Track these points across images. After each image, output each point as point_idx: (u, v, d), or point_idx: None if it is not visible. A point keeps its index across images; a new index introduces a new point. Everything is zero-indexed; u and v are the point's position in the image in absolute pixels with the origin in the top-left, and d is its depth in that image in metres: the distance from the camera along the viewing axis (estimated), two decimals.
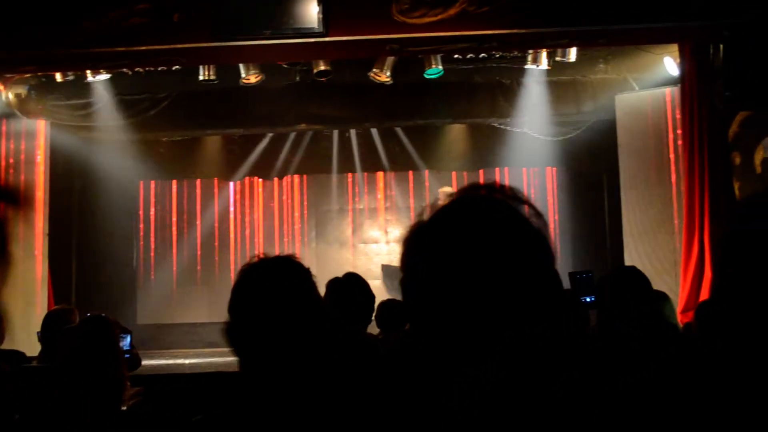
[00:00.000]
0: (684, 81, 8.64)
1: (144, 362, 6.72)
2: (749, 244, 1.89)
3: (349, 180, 12.06)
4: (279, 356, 2.10)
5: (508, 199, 1.26)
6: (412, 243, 1.24)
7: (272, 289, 2.12)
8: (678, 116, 9.09)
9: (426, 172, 11.99)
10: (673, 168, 9.50)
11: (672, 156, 9.49)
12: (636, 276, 3.45)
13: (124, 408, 4.42)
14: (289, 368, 2.09)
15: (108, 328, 4.13)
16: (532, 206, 1.26)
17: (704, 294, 8.05)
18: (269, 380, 2.09)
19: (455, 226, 1.20)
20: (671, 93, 9.42)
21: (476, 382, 1.17)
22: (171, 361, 9.02)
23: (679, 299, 8.15)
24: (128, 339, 5.51)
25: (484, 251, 1.16)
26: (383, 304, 5.18)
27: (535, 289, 1.17)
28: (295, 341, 2.10)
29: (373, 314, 4.46)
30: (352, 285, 4.12)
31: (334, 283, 4.02)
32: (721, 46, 7.25)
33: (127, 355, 5.22)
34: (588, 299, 3.26)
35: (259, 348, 2.12)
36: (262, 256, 2.21)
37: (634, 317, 3.21)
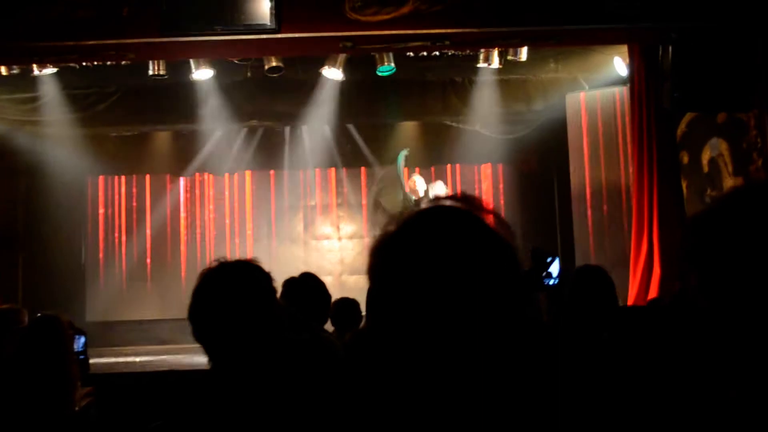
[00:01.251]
0: (633, 81, 8.78)
1: (94, 360, 6.64)
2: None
3: (301, 176, 12.02)
4: (240, 361, 2.10)
5: (474, 210, 1.26)
6: (380, 253, 1.24)
7: (231, 295, 2.11)
8: (627, 116, 9.23)
9: (374, 169, 11.98)
10: (622, 166, 9.65)
11: (621, 155, 9.64)
12: (601, 277, 3.49)
13: (76, 409, 4.36)
14: (250, 372, 2.09)
15: (61, 330, 4.06)
16: (498, 216, 1.28)
17: (653, 290, 8.19)
18: (233, 382, 2.09)
19: (423, 236, 1.20)
20: (621, 93, 9.56)
21: (435, 385, 1.18)
22: (121, 359, 8.91)
23: (628, 296, 8.27)
24: (82, 340, 5.41)
25: (452, 262, 1.17)
26: (337, 302, 5.18)
27: (502, 301, 1.18)
28: (255, 347, 2.09)
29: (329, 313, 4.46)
30: (308, 285, 4.11)
31: (290, 283, 4.01)
32: (670, 48, 7.35)
33: (81, 356, 5.14)
34: (550, 282, 3.28)
35: (222, 351, 2.12)
36: (221, 260, 2.19)
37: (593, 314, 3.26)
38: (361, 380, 1.47)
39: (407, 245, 1.20)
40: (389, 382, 1.22)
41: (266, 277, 2.21)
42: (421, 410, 1.18)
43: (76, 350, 4.87)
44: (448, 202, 1.29)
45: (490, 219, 1.26)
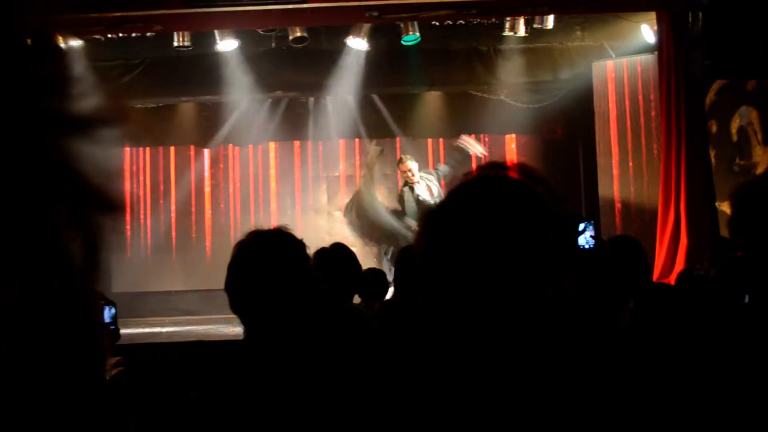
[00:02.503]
0: (661, 49, 8.67)
1: (120, 330, 6.69)
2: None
3: (325, 147, 11.98)
4: (277, 331, 2.10)
5: (524, 179, 1.25)
6: (431, 221, 1.23)
7: (267, 265, 2.11)
8: (655, 84, 9.12)
9: (398, 140, 11.92)
10: (645, 135, 9.56)
11: (648, 123, 9.54)
12: (634, 248, 3.46)
13: (106, 378, 4.40)
14: (287, 341, 2.09)
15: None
16: (547, 186, 1.26)
17: (680, 260, 8.13)
18: (270, 351, 2.10)
19: (474, 206, 1.19)
20: (648, 61, 9.45)
21: (485, 359, 1.17)
22: (147, 330, 8.99)
23: (655, 266, 8.22)
24: (112, 311, 5.43)
25: (503, 231, 1.15)
26: (365, 273, 5.18)
27: (554, 270, 1.16)
28: (292, 317, 2.09)
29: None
30: (340, 255, 4.11)
31: (322, 254, 4.00)
32: (700, 14, 7.25)
33: (111, 327, 5.16)
34: (586, 246, 3.26)
35: (259, 321, 2.12)
36: (256, 230, 2.19)
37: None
38: (400, 350, 1.46)
39: (457, 215, 1.19)
40: (436, 352, 1.21)
41: (300, 246, 2.20)
42: (466, 377, 1.17)
43: (106, 321, 4.90)
44: (494, 171, 1.27)
45: (540, 188, 1.24)
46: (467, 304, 1.15)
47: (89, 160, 0.70)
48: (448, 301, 1.17)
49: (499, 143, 11.76)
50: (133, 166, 11.86)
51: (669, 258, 8.37)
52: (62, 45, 0.77)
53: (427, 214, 1.24)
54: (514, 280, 1.14)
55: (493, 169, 1.26)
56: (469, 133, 11.72)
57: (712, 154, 8.58)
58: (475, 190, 1.22)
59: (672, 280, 7.37)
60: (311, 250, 2.30)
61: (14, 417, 0.67)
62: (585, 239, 3.20)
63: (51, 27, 0.72)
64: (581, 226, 3.19)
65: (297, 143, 12.03)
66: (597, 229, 9.32)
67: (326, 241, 4.54)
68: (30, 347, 0.66)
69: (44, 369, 0.69)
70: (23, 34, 0.69)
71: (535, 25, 9.50)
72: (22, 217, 0.64)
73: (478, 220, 1.17)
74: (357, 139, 12.01)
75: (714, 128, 8.70)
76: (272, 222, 11.53)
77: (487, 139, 11.77)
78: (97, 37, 9.22)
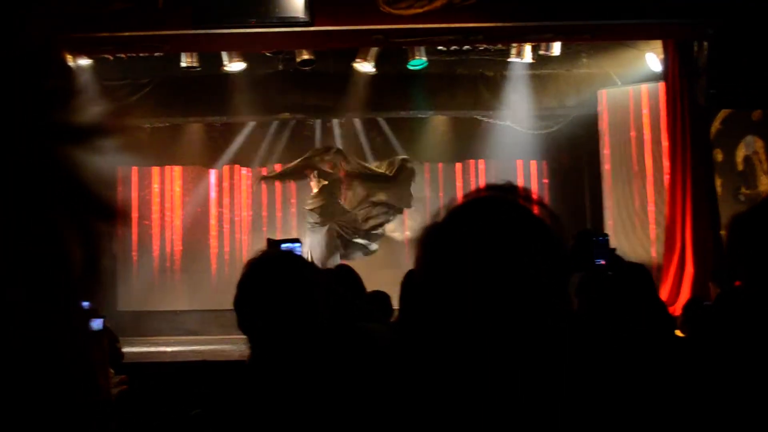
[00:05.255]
0: (667, 77, 8.71)
1: (125, 349, 6.70)
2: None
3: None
4: (283, 351, 2.12)
5: (521, 200, 1.27)
6: (428, 243, 1.25)
7: (276, 285, 2.13)
8: (660, 112, 9.16)
9: None
10: (651, 163, 9.57)
11: (654, 151, 9.56)
12: (643, 276, 3.45)
13: (111, 395, 4.41)
14: (293, 362, 2.10)
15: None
16: (545, 207, 1.28)
17: (686, 289, 8.13)
18: (275, 372, 2.11)
19: (471, 227, 1.21)
20: (654, 89, 9.49)
21: (480, 376, 1.19)
22: (153, 349, 8.99)
23: (661, 294, 8.21)
24: (98, 322, 5.24)
25: (500, 253, 1.17)
26: (369, 295, 5.18)
27: (547, 292, 1.18)
28: (298, 338, 2.11)
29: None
30: (343, 277, 4.11)
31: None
32: (705, 43, 7.29)
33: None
34: (601, 262, 3.26)
35: (266, 341, 2.14)
36: (267, 250, 2.21)
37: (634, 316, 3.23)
38: (404, 371, 1.47)
39: (455, 237, 1.21)
40: (434, 373, 1.23)
41: (310, 268, 2.22)
42: (465, 396, 1.19)
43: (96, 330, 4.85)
44: (493, 192, 1.29)
45: (535, 209, 1.26)
46: (465, 323, 1.17)
47: (88, 168, 0.72)
48: (446, 321, 1.19)
49: (504, 169, 11.78)
50: (140, 184, 11.91)
51: (674, 286, 8.37)
52: (67, 59, 0.80)
53: (426, 233, 1.25)
54: (513, 299, 1.15)
55: (491, 191, 1.28)
56: (474, 158, 11.80)
57: (718, 182, 8.60)
58: (473, 211, 1.24)
59: (678, 308, 7.36)
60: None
61: (12, 422, 0.68)
62: (602, 253, 3.21)
63: (56, 41, 0.75)
64: (597, 239, 3.20)
65: None
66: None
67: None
68: (30, 349, 0.68)
69: (43, 373, 0.70)
70: (29, 47, 0.72)
71: (541, 52, 9.55)
72: (23, 221, 0.66)
73: (476, 241, 1.19)
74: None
75: (720, 157, 8.73)
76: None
77: (490, 164, 11.82)
78: (106, 56, 9.29)
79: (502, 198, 1.26)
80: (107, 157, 0.79)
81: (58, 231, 0.67)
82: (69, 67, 0.81)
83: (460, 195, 1.34)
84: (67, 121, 0.72)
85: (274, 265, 2.21)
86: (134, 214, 11.87)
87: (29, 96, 0.68)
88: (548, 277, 1.18)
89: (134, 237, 11.79)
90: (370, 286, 6.29)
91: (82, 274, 0.69)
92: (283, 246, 2.79)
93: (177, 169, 11.98)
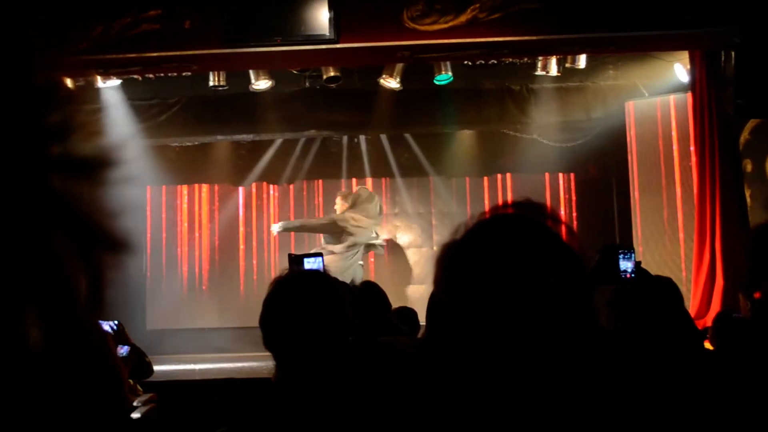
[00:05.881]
0: (694, 88, 8.65)
1: (154, 367, 6.74)
2: None
3: (358, 186, 12.05)
4: (308, 370, 2.12)
5: (540, 217, 1.27)
6: (449, 261, 1.25)
7: (302, 304, 2.14)
8: (688, 123, 9.09)
9: (431, 179, 11.99)
10: (679, 174, 9.51)
11: (683, 162, 9.50)
12: (670, 289, 3.43)
13: (138, 415, 4.44)
14: (318, 380, 2.11)
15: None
16: (564, 224, 1.27)
17: (716, 301, 8.04)
18: (300, 390, 2.12)
19: (491, 245, 1.21)
20: (681, 100, 9.43)
21: (506, 395, 1.18)
22: (181, 367, 9.03)
23: (690, 306, 8.13)
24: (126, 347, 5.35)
25: (520, 270, 1.17)
26: (396, 311, 5.18)
27: (570, 310, 1.18)
28: (323, 357, 2.12)
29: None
30: (369, 293, 4.11)
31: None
32: (732, 53, 7.24)
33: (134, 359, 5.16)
34: (626, 276, 3.23)
35: (291, 359, 2.15)
36: (290, 268, 2.23)
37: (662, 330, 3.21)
38: (428, 389, 1.47)
39: (474, 255, 1.21)
40: (459, 390, 1.23)
41: (335, 286, 2.24)
42: (489, 416, 1.18)
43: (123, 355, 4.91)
44: (513, 210, 1.29)
45: (555, 226, 1.26)
46: (489, 343, 1.17)
47: (91, 200, 0.74)
48: (468, 340, 1.19)
49: (531, 182, 11.75)
50: (169, 203, 12.01)
51: (705, 299, 8.28)
52: (69, 86, 0.82)
53: (445, 251, 1.26)
54: (533, 316, 1.15)
55: (508, 208, 1.28)
56: (502, 172, 11.79)
57: (747, 193, 8.52)
58: (493, 229, 1.24)
59: (708, 321, 7.29)
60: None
61: None
62: (628, 267, 3.18)
63: (57, 70, 0.76)
64: (622, 253, 3.17)
65: (330, 182, 12.11)
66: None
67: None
68: (45, 379, 0.69)
69: (62, 401, 0.71)
70: (29, 79, 0.74)
71: (567, 65, 9.53)
72: (27, 254, 0.67)
73: (496, 259, 1.19)
74: (388, 178, 12.07)
75: (749, 167, 8.65)
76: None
77: (517, 178, 11.80)
78: (135, 76, 9.41)
79: (520, 215, 1.27)
80: (111, 188, 0.81)
81: (62, 263, 0.68)
82: (68, 96, 0.82)
83: (487, 210, 1.34)
84: (69, 154, 0.73)
85: (299, 283, 2.23)
86: (162, 233, 11.96)
87: (31, 130, 0.69)
88: (572, 297, 1.18)
89: (163, 255, 11.88)
90: (398, 301, 6.30)
91: (87, 305, 0.70)
92: (306, 260, 2.80)
93: (205, 187, 12.07)
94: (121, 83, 9.76)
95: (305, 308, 2.14)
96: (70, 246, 0.71)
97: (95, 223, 0.74)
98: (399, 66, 9.79)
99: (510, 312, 1.15)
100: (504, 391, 1.18)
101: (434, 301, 3.92)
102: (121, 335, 5.11)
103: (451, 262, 1.24)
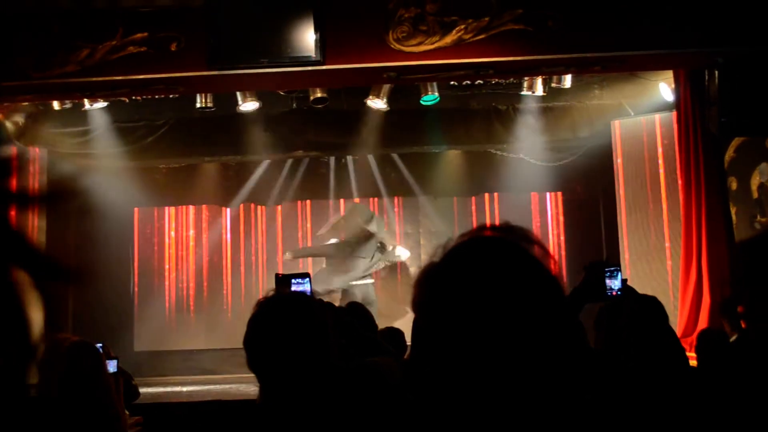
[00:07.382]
0: (679, 107, 8.70)
1: (141, 390, 6.70)
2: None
3: (346, 207, 12.06)
4: (292, 391, 2.12)
5: (518, 240, 1.27)
6: (426, 284, 1.25)
7: (287, 326, 2.14)
8: (673, 141, 9.14)
9: (418, 199, 12.03)
10: (665, 192, 9.56)
11: (668, 180, 9.55)
12: (655, 307, 3.44)
13: None
14: (302, 402, 2.11)
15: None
16: (541, 247, 1.28)
17: (702, 319, 8.06)
18: (284, 412, 2.11)
19: (469, 268, 1.21)
20: (667, 119, 9.49)
21: (485, 423, 1.18)
22: (169, 389, 8.98)
23: (677, 324, 8.15)
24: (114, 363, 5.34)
25: (498, 294, 1.17)
26: (383, 332, 5.17)
27: (549, 333, 1.18)
28: (307, 378, 2.12)
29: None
30: (355, 314, 4.11)
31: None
32: (716, 72, 7.29)
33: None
34: (612, 294, 3.23)
35: (275, 380, 2.15)
36: (276, 289, 2.23)
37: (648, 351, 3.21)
38: (411, 411, 1.48)
39: (452, 278, 1.21)
40: (439, 414, 1.23)
41: (320, 308, 2.23)
42: None
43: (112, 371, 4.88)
44: (491, 233, 1.30)
45: (533, 249, 1.26)
46: (465, 365, 1.17)
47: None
48: (444, 361, 1.19)
49: (519, 201, 11.79)
50: (156, 224, 11.98)
51: (692, 316, 8.30)
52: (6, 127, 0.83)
53: (423, 275, 1.26)
54: (505, 341, 1.15)
55: (487, 231, 1.28)
56: (489, 191, 11.83)
57: (733, 211, 8.56)
58: (468, 253, 1.24)
59: (695, 338, 7.30)
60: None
61: None
62: (614, 285, 3.18)
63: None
64: (608, 269, 3.17)
65: (318, 202, 12.13)
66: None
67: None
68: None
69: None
70: None
71: (553, 84, 9.57)
72: None
73: (469, 282, 1.19)
74: (376, 198, 12.08)
75: (734, 185, 8.70)
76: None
77: (503, 198, 11.83)
78: (121, 99, 9.40)
79: (498, 238, 1.27)
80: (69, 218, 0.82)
81: (15, 292, 0.68)
82: (7, 133, 0.83)
83: (465, 233, 1.34)
84: (16, 188, 0.74)
85: (283, 305, 2.22)
86: (150, 255, 11.92)
87: None
88: (549, 320, 1.18)
89: (150, 277, 11.84)
90: (385, 321, 6.30)
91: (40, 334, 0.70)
92: (293, 281, 2.79)
93: (192, 209, 12.06)
94: (108, 105, 9.75)
95: (289, 330, 2.13)
96: (24, 277, 0.71)
97: (47, 255, 0.74)
98: (386, 87, 9.82)
99: (483, 337, 1.16)
100: (482, 415, 1.18)
101: (417, 323, 3.92)
102: (106, 357, 5.07)
103: (427, 285, 1.24)
